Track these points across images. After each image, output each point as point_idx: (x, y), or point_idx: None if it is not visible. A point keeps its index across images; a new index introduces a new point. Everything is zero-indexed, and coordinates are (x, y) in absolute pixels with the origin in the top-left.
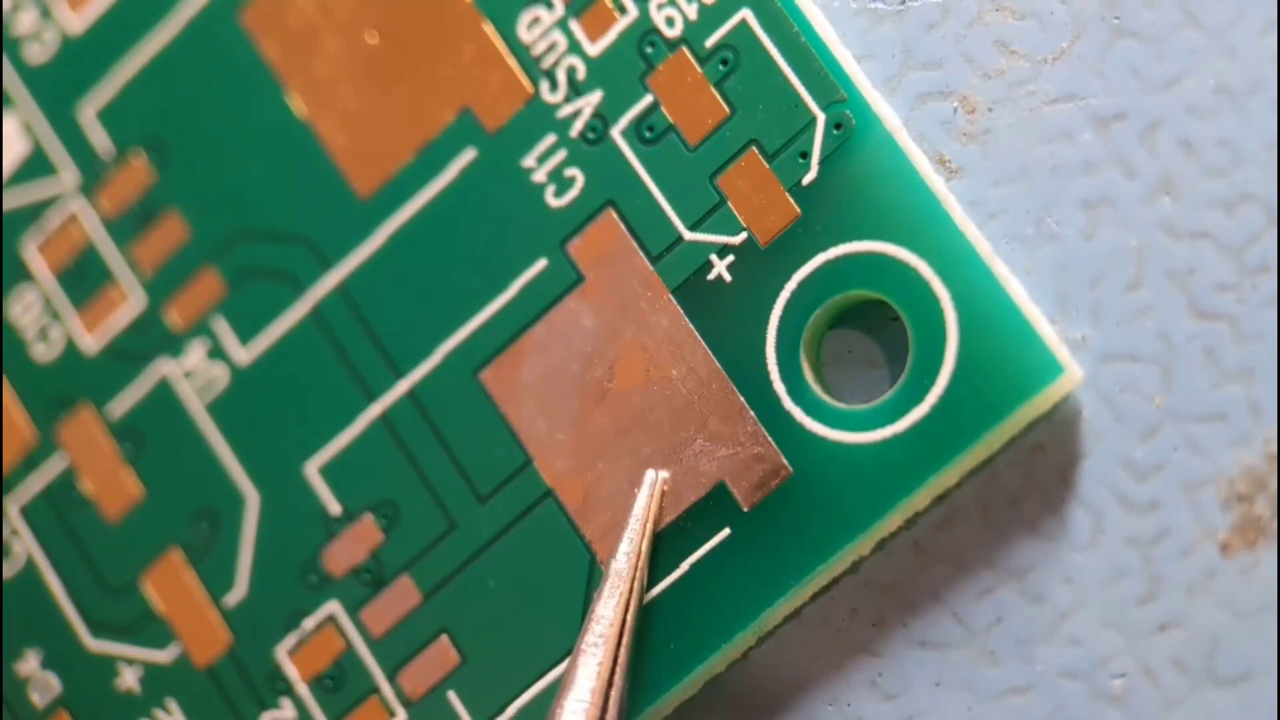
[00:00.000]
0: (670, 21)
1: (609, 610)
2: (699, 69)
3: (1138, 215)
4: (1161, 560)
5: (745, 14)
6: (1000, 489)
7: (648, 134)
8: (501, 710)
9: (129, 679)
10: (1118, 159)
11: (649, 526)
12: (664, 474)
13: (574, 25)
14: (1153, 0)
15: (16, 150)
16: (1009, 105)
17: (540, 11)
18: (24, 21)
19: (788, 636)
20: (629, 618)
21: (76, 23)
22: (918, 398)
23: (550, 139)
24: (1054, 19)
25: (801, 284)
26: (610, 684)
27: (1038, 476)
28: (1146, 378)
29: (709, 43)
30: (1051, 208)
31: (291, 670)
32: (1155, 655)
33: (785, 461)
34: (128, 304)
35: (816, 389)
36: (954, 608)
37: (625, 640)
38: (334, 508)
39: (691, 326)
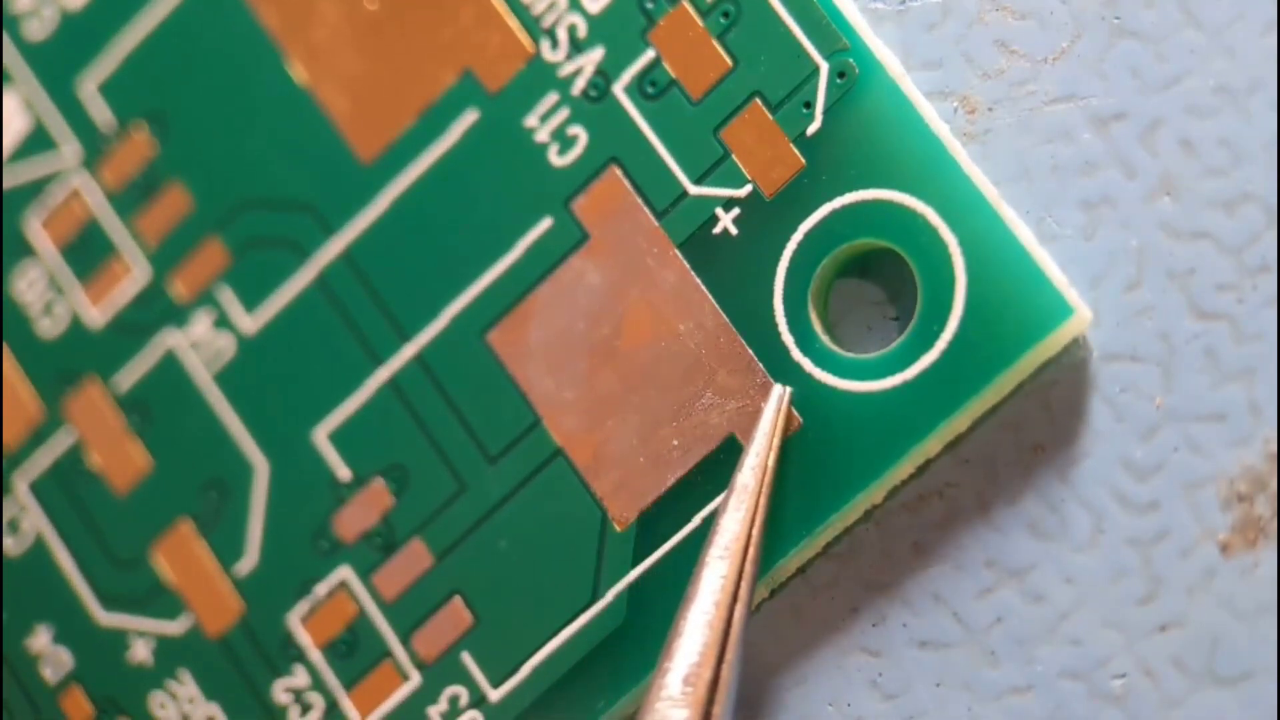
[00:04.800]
0: None
1: (734, 523)
2: (700, 22)
3: (1138, 215)
4: (1161, 560)
5: None
6: (1001, 487)
7: (650, 89)
8: (516, 670)
9: (141, 651)
10: (1118, 159)
11: (776, 440)
12: (790, 388)
13: None
14: (1153, 0)
15: (17, 127)
16: (1009, 105)
17: None
18: None
19: (788, 636)
20: (754, 532)
21: None
22: (927, 345)
23: (552, 98)
24: (1054, 19)
25: (808, 235)
26: (735, 598)
27: (1038, 476)
28: (1146, 378)
29: None
30: (1051, 208)
31: (304, 637)
32: (1155, 655)
33: (795, 412)
34: (132, 276)
35: (825, 339)
36: (954, 608)
37: (751, 554)
38: (343, 473)
39: (698, 281)
